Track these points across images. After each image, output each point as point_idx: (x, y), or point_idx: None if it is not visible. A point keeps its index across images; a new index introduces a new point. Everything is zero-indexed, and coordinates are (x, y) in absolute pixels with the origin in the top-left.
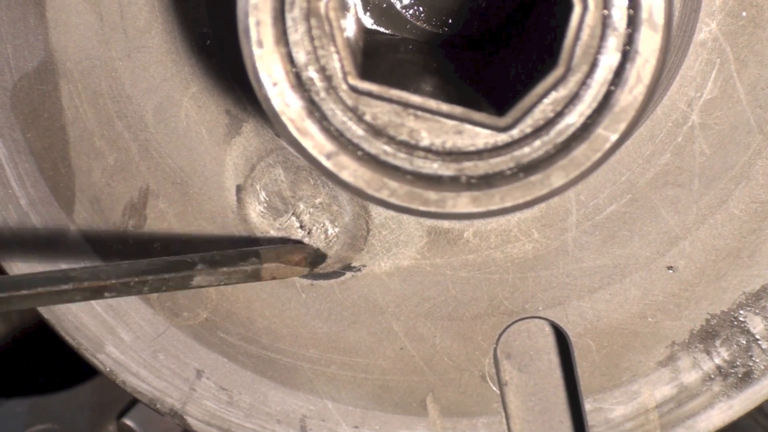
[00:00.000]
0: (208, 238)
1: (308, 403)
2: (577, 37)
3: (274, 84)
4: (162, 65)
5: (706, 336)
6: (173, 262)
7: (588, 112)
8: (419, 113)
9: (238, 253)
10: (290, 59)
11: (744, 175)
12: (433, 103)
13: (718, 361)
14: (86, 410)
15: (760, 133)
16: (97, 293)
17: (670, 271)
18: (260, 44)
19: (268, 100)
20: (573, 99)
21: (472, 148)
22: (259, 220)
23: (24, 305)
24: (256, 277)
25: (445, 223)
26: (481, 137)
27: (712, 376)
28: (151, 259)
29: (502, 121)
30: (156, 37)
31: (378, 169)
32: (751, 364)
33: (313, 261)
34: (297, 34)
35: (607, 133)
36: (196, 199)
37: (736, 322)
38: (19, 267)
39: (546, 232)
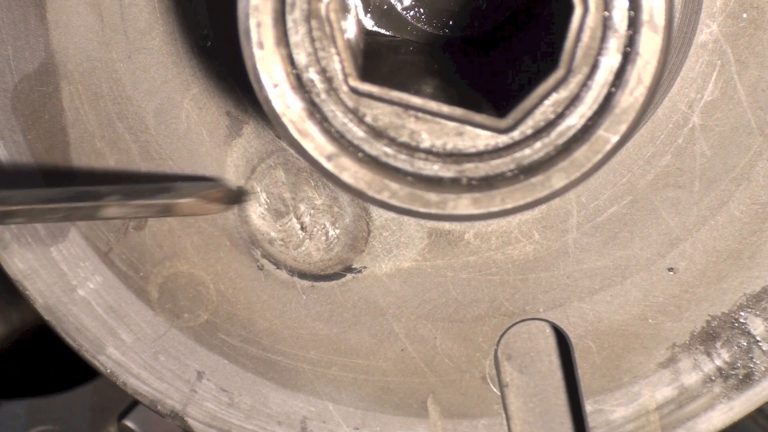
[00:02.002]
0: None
1: (309, 405)
2: (577, 39)
3: (275, 85)
4: (163, 67)
5: (707, 337)
6: (85, 191)
7: (589, 113)
8: (420, 115)
9: (153, 187)
10: (291, 61)
11: (744, 177)
12: (433, 105)
13: (718, 362)
14: (87, 412)
15: (761, 134)
16: (3, 217)
17: (671, 273)
18: (261, 46)
19: (268, 101)
20: (574, 100)
21: (472, 150)
22: (260, 221)
23: None
24: (169, 211)
25: (446, 225)
26: (482, 139)
27: (713, 378)
28: (63, 187)
29: (503, 123)
30: (157, 38)
31: (379, 171)
32: (751, 365)
33: (231, 199)
34: (298, 35)
35: (608, 134)
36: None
37: (736, 324)
38: (19, 267)
39: (547, 233)
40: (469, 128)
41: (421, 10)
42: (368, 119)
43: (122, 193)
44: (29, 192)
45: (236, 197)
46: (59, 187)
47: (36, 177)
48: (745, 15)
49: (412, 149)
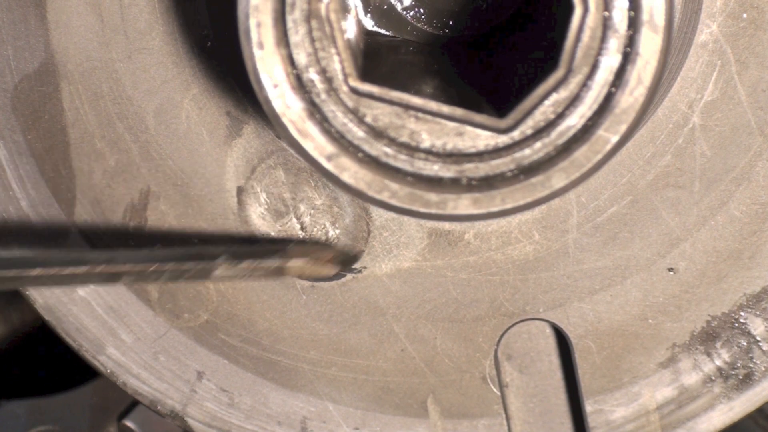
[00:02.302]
0: (208, 239)
1: (309, 405)
2: (577, 39)
3: (275, 86)
4: (163, 67)
5: (707, 338)
6: (194, 252)
7: (589, 113)
8: (420, 115)
9: (263, 249)
10: (291, 61)
11: (745, 177)
12: (433, 105)
13: (718, 362)
14: (87, 412)
15: (761, 134)
16: (112, 278)
17: (671, 273)
18: (261, 46)
19: (268, 101)
20: (574, 100)
21: (472, 150)
22: (260, 221)
23: (36, 284)
24: (280, 273)
25: (446, 225)
26: (482, 139)
27: (713, 378)
28: (172, 248)
29: (503, 123)
30: (157, 38)
31: (379, 171)
32: (751, 365)
33: (343, 260)
34: (298, 35)
35: (608, 134)
36: (196, 201)
37: (736, 324)
38: None
39: (547, 233)
40: (469, 128)
41: (421, 11)
42: (368, 119)
43: (229, 254)
44: (138, 251)
45: (348, 259)
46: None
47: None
48: (745, 15)
49: (412, 149)
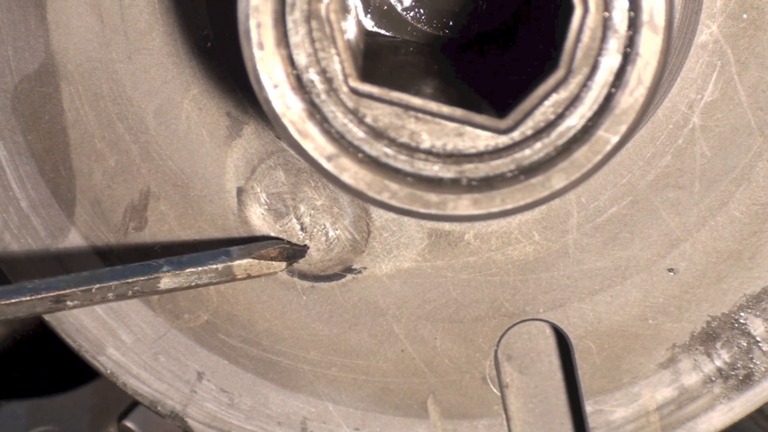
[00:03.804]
0: (209, 240)
1: (309, 405)
2: (577, 39)
3: (275, 86)
4: (163, 67)
5: (707, 338)
6: (137, 266)
7: (589, 114)
8: (420, 115)
9: (207, 254)
10: (291, 61)
11: (745, 178)
12: (433, 106)
13: (718, 363)
14: (87, 412)
15: (761, 135)
16: (58, 303)
17: (671, 273)
18: (261, 46)
19: (268, 102)
20: (574, 101)
21: (472, 151)
22: (260, 222)
23: None
24: (228, 274)
25: (446, 226)
26: (482, 139)
27: (713, 378)
28: (114, 267)
29: (503, 124)
30: (157, 39)
31: (379, 172)
32: (751, 366)
33: (290, 255)
34: (298, 36)
35: (608, 135)
36: (196, 202)
37: (736, 324)
38: (18, 268)
39: (547, 234)
40: (469, 129)
41: (421, 11)
42: (368, 120)
43: (174, 264)
44: (80, 275)
45: (295, 253)
46: (111, 266)
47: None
48: (745, 15)
49: (412, 150)
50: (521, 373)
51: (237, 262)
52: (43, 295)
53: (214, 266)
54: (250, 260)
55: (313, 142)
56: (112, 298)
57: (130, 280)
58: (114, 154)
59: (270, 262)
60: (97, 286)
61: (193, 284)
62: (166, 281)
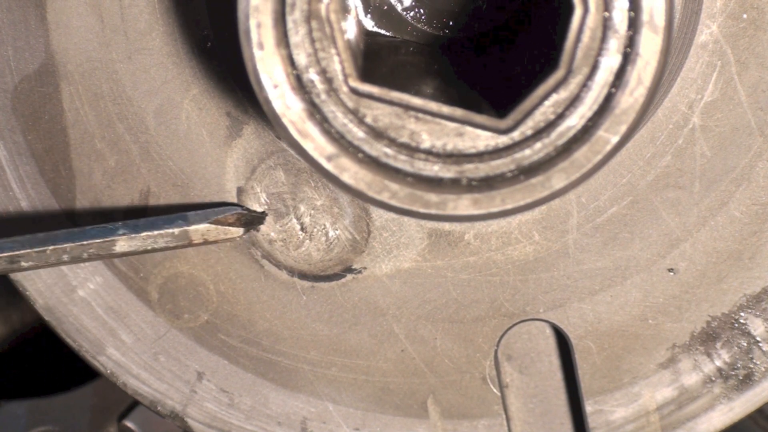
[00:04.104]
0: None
1: (309, 405)
2: (578, 39)
3: (275, 86)
4: (163, 67)
5: (707, 338)
6: (92, 229)
7: (589, 114)
8: (420, 115)
9: (164, 218)
10: (291, 61)
11: (745, 178)
12: (434, 106)
13: (718, 363)
14: (87, 412)
15: (761, 135)
16: (12, 263)
17: (671, 273)
18: (261, 46)
19: (268, 102)
20: (574, 101)
21: (472, 151)
22: None
23: None
24: (185, 239)
25: (446, 226)
26: (482, 139)
27: (713, 378)
28: (70, 229)
29: (503, 124)
30: (157, 39)
31: (379, 172)
32: (751, 366)
33: (248, 221)
34: (298, 36)
35: (608, 135)
36: (197, 202)
37: (736, 324)
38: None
39: (547, 234)
40: (469, 129)
41: (421, 11)
42: (368, 120)
43: (130, 227)
44: (35, 236)
45: (253, 220)
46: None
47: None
48: (745, 15)
49: (412, 150)
50: (521, 373)
51: (194, 227)
52: None
53: (171, 230)
54: (207, 225)
55: (313, 142)
56: (67, 260)
57: (85, 242)
58: (114, 154)
59: (227, 227)
60: (52, 247)
61: (149, 248)
62: (122, 244)
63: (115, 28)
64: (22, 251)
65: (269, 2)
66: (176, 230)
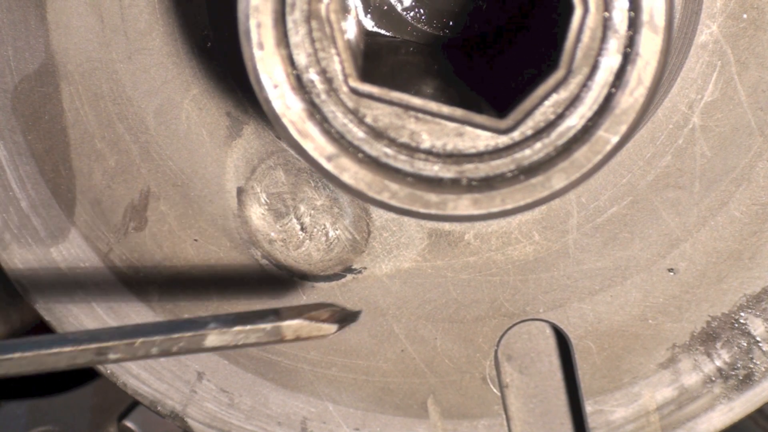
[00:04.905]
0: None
1: (309, 405)
2: (577, 39)
3: (275, 86)
4: (163, 67)
5: (707, 338)
6: (183, 322)
7: (589, 114)
8: (420, 115)
9: (256, 312)
10: (291, 61)
11: (745, 178)
12: (434, 106)
13: (718, 363)
14: (87, 412)
15: (761, 135)
16: (99, 355)
17: (671, 273)
18: (261, 46)
19: (268, 102)
20: (574, 101)
21: (472, 151)
22: (260, 222)
23: (17, 371)
24: (277, 335)
25: (446, 226)
26: (482, 139)
27: (713, 378)
28: (159, 321)
29: (503, 124)
30: (157, 39)
31: (379, 172)
32: (751, 366)
33: (342, 318)
34: (298, 36)
35: (608, 135)
36: (197, 202)
37: (736, 324)
38: (19, 268)
39: (547, 234)
40: (469, 129)
41: (422, 11)
42: (368, 120)
43: (221, 321)
44: (124, 328)
45: (347, 317)
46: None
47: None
48: (745, 16)
49: (412, 150)
50: (521, 373)
51: (287, 323)
52: (84, 347)
53: (263, 326)
54: (300, 321)
55: (313, 142)
56: (156, 353)
57: (175, 336)
58: (114, 154)
59: (320, 324)
60: (141, 340)
61: (240, 343)
62: (212, 339)
63: (115, 28)
64: (110, 343)
65: (269, 2)
66: (269, 326)
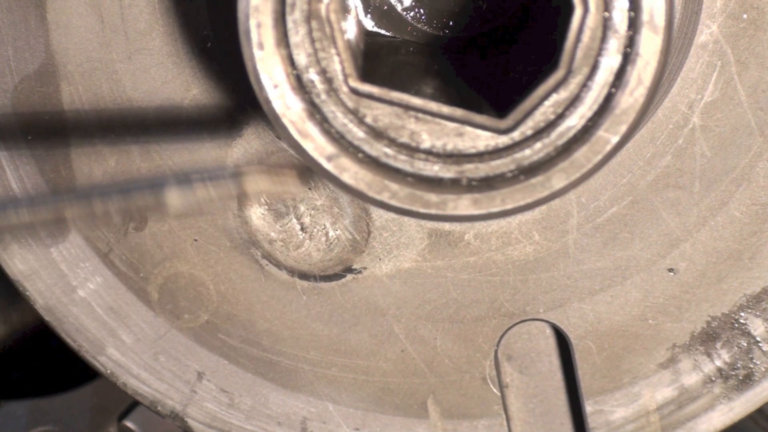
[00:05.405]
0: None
1: (309, 405)
2: (577, 39)
3: (275, 86)
4: (163, 67)
5: (707, 338)
6: (141, 180)
7: (589, 114)
8: (420, 115)
9: (216, 167)
10: (291, 61)
11: (745, 178)
12: (434, 106)
13: (718, 363)
14: (87, 412)
15: (761, 135)
16: (58, 222)
17: (671, 273)
18: (261, 46)
19: (268, 102)
20: (574, 101)
21: (472, 151)
22: (260, 222)
23: None
24: (239, 191)
25: (446, 226)
26: (482, 139)
27: (713, 378)
28: (116, 181)
29: (503, 124)
30: (157, 39)
31: (379, 172)
32: (751, 366)
33: (303, 173)
34: (298, 36)
35: (608, 135)
36: None
37: (736, 324)
38: (19, 268)
39: (547, 234)
40: (469, 129)
41: (421, 11)
42: (368, 120)
43: (180, 178)
44: (77, 190)
45: (304, 169)
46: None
47: None
48: (745, 16)
49: (412, 150)
50: (521, 373)
51: (248, 176)
52: (44, 212)
53: (226, 183)
54: (261, 171)
55: (313, 142)
56: (115, 213)
57: (132, 192)
58: (114, 154)
59: (282, 176)
60: (98, 199)
61: (201, 199)
62: (173, 198)
63: (115, 28)
64: (67, 202)
65: (269, 2)
66: (230, 179)
